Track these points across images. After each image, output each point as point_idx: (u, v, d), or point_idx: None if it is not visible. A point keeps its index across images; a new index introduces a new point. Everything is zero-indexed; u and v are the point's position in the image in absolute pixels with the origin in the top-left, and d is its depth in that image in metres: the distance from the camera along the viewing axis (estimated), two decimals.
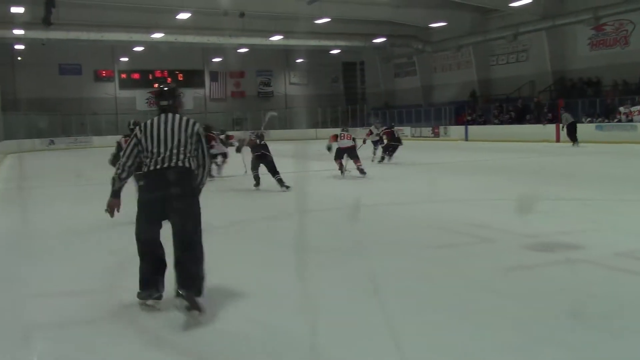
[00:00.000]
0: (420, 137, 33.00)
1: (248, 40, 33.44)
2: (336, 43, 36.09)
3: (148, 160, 4.20)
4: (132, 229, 4.26)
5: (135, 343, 3.65)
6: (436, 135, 32.27)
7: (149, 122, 4.30)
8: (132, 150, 4.32)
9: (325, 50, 38.31)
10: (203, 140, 4.32)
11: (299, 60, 43.58)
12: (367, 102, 42.33)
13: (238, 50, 36.93)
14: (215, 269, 4.52)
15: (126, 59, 39.62)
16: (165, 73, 41.10)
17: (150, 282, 4.26)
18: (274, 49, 38.13)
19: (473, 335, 3.63)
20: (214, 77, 43.49)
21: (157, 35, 31.37)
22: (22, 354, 3.58)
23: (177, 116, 4.30)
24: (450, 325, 3.81)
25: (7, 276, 5.36)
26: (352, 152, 13.30)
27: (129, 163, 4.34)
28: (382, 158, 17.09)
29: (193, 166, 4.22)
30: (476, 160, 17.25)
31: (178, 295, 4.02)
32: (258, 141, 11.49)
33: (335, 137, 13.68)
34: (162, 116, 4.30)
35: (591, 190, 9.97)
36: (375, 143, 17.77)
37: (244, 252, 6.07)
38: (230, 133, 17.25)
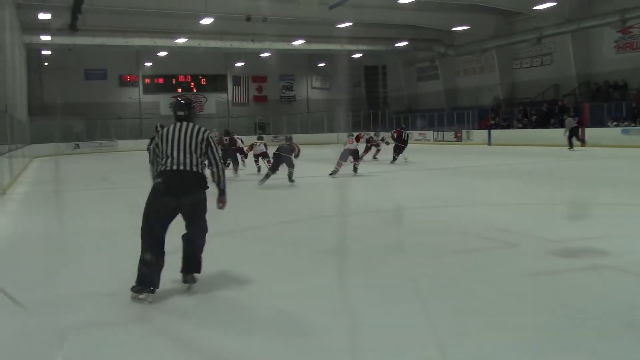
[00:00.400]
0: (443, 141, 32.94)
1: (270, 45, 33.49)
2: (358, 47, 35.93)
3: (164, 160, 4.68)
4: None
5: (160, 345, 3.70)
6: (459, 139, 32.12)
7: (166, 129, 4.81)
8: (155, 156, 4.86)
9: (348, 54, 38.09)
10: (213, 144, 4.77)
11: (321, 65, 43.54)
12: (390, 106, 42.32)
13: (260, 55, 37.04)
14: (248, 270, 5.06)
15: (150, 64, 39.70)
16: (189, 78, 41.34)
17: (147, 278, 4.53)
18: (296, 54, 37.99)
19: (501, 342, 3.62)
20: (237, 81, 43.31)
21: (181, 41, 31.64)
22: (53, 352, 3.66)
23: (191, 124, 4.80)
24: (478, 331, 3.79)
25: (43, 276, 5.47)
26: (355, 154, 14.43)
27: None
28: (394, 158, 17.94)
29: (202, 169, 4.72)
30: (499, 164, 17.12)
31: (185, 281, 4.80)
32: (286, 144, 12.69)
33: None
34: (178, 124, 4.82)
35: (616, 195, 9.79)
36: (367, 149, 18.93)
37: (275, 256, 6.10)
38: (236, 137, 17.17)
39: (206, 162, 4.88)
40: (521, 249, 5.96)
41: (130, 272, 4.50)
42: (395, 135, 18.36)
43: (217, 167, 4.79)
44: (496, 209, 8.55)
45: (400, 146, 18.05)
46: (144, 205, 4.59)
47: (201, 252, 4.84)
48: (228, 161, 14.86)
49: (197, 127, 4.79)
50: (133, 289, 4.56)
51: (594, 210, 8.06)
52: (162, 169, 4.63)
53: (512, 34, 31.60)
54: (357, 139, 14.47)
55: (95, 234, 7.54)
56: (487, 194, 10.26)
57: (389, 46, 36.11)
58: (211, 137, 4.82)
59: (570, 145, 22.38)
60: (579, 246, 6.06)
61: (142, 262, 4.51)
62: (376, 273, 5.18)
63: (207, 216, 4.76)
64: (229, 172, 14.11)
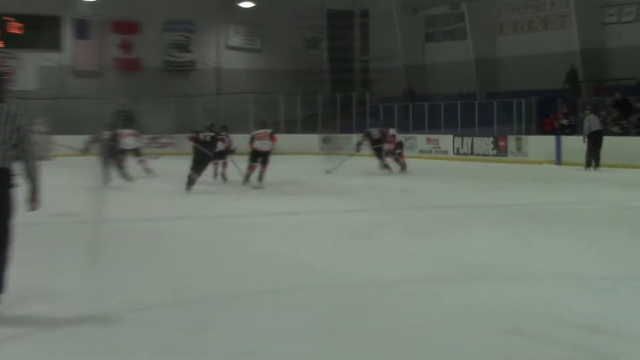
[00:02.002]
0: (472, 154, 26.94)
1: None
2: None
3: None
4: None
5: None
6: (501, 151, 26.08)
7: None
8: None
9: None
10: (29, 134, 4.87)
11: (245, 4, 33.94)
12: (372, 86, 33.86)
13: None
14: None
15: None
16: None
17: None
18: None
19: None
20: (82, 30, 32.12)
21: None
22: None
23: None
24: None
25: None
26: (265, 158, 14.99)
27: None
28: (384, 165, 18.41)
29: (9, 164, 4.84)
30: (577, 202, 14.18)
31: None
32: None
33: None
34: None
35: None
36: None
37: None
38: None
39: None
40: None
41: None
42: (365, 140, 19.12)
43: (29, 161, 4.76)
44: (575, 286, 6.67)
45: (379, 147, 18.50)
46: None
47: (5, 267, 4.71)
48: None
49: (6, 109, 4.73)
50: None
51: None
52: None
53: None
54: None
55: None
56: (558, 258, 7.96)
57: None
58: (27, 123, 4.91)
59: (591, 161, 20.27)
60: None
61: None
62: None
63: None
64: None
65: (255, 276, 6.58)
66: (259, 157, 13.95)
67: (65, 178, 15.88)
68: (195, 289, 5.67)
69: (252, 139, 14.07)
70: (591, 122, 20.69)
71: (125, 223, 9.68)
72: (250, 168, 14.03)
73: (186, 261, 6.90)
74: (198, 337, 4.60)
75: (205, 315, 5.23)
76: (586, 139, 20.18)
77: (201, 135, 13.40)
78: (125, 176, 14.62)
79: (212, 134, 13.60)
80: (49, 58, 30.64)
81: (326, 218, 11.12)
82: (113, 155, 14.76)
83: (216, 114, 30.26)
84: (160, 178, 16.05)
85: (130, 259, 6.92)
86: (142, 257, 7.07)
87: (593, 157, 20.09)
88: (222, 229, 9.63)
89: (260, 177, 13.90)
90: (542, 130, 25.45)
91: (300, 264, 7.18)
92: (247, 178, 14.01)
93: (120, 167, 14.78)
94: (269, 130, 14.44)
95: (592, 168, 20.01)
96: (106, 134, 15.35)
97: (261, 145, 13.89)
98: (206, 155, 13.23)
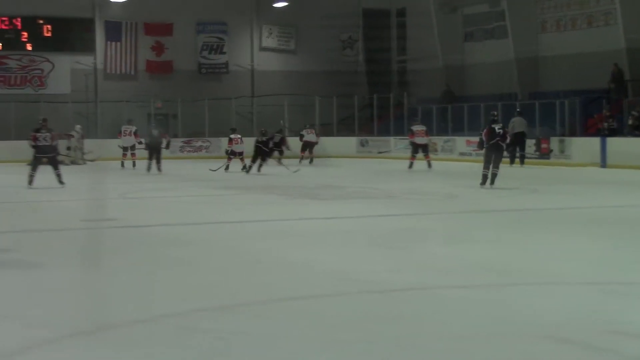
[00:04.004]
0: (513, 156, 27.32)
1: None
2: None
3: None
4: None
5: None
6: (543, 153, 25.85)
7: None
8: None
9: None
10: None
11: (279, 4, 33.66)
12: (410, 88, 33.45)
13: None
14: None
15: None
16: (18, 23, 30.62)
17: None
18: None
19: None
20: (114, 32, 31.98)
21: None
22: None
23: None
24: None
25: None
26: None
27: None
28: (257, 166, 19.98)
29: None
30: (624, 205, 13.89)
31: None
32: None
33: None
34: None
35: None
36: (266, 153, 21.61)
37: None
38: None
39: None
40: None
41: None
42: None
43: None
44: (621, 293, 6.52)
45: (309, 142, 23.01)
46: None
47: None
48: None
49: None
50: None
51: None
52: None
53: None
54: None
55: None
56: (601, 263, 7.95)
57: None
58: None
59: (513, 159, 23.17)
60: None
61: None
62: None
63: None
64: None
65: (288, 283, 6.59)
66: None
67: (98, 183, 16.32)
68: (225, 296, 5.67)
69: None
70: (515, 124, 23.12)
71: (155, 228, 9.82)
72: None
73: (215, 268, 6.90)
74: (226, 345, 4.58)
75: (234, 323, 5.20)
76: (511, 139, 22.33)
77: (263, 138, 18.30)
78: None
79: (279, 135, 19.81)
80: (81, 61, 30.86)
81: (363, 223, 11.08)
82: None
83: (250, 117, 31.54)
84: (192, 182, 16.75)
85: (157, 264, 7.02)
86: (169, 263, 7.13)
87: (518, 156, 22.90)
88: (255, 234, 9.67)
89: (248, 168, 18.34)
90: (586, 131, 25.17)
91: (334, 270, 7.16)
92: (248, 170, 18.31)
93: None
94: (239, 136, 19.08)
95: (516, 165, 22.82)
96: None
97: (238, 148, 18.98)
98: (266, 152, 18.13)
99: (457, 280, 6.76)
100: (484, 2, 30.51)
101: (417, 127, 21.14)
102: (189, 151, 27.57)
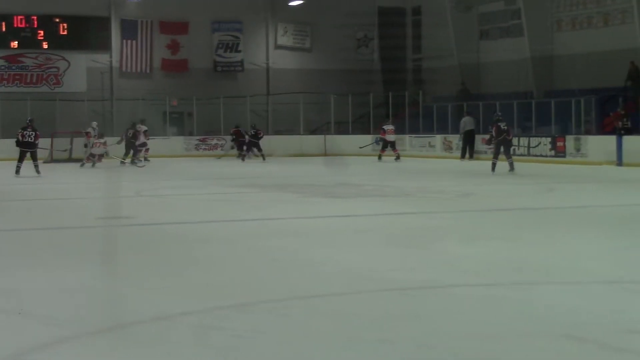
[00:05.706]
0: (529, 155, 26.69)
1: None
2: None
3: None
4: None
5: None
6: (559, 152, 25.94)
7: None
8: None
9: None
10: None
11: (294, 2, 33.92)
12: (425, 86, 33.64)
13: None
14: None
15: None
16: (34, 21, 30.82)
17: None
18: None
19: None
20: (129, 31, 32.26)
21: None
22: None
23: None
24: None
25: None
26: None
27: None
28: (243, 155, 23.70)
29: None
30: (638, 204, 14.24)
31: None
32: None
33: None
34: None
35: None
36: (246, 145, 24.61)
37: None
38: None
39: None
40: None
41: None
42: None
43: None
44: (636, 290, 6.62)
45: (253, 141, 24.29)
46: None
47: None
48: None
49: None
50: None
51: None
52: None
53: None
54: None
55: None
56: (619, 262, 7.81)
57: None
58: None
59: (464, 154, 25.05)
60: None
61: None
62: None
63: None
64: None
65: (305, 281, 6.58)
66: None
67: (113, 181, 16.46)
68: (243, 294, 5.65)
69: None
70: (465, 122, 25.27)
71: (172, 226, 9.82)
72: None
73: (233, 266, 6.89)
74: (247, 344, 4.56)
75: (254, 322, 5.18)
76: (462, 136, 25.53)
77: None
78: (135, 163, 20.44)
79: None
80: (97, 59, 31.02)
81: (379, 221, 11.01)
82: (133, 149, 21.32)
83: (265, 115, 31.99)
84: (208, 180, 17.00)
85: (175, 262, 7.01)
86: (187, 261, 7.11)
87: (467, 151, 25.01)
88: (272, 232, 9.60)
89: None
90: (602, 129, 25.16)
91: (351, 269, 7.10)
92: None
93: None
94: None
95: (466, 159, 24.67)
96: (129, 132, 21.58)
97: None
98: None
99: (475, 279, 6.71)
100: (500, 0, 30.60)
101: (387, 127, 23.97)
102: (204, 149, 27.53)
